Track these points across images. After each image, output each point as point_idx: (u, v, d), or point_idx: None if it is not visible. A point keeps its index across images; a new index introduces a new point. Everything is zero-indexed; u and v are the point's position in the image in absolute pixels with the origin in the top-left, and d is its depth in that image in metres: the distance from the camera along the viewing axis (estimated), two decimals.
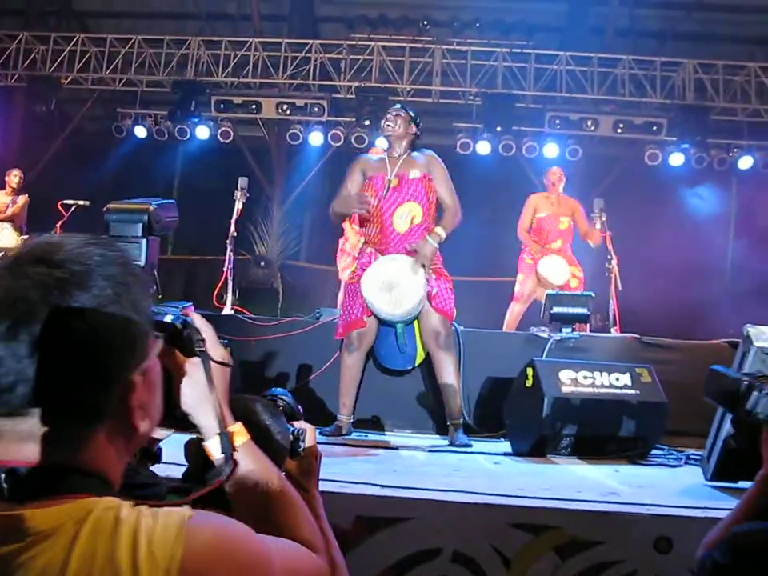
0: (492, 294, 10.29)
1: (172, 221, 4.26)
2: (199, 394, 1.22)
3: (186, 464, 1.75)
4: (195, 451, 1.65)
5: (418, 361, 5.32)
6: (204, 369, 1.23)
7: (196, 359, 1.23)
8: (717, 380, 1.99)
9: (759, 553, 1.39)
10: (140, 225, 3.84)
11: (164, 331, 1.16)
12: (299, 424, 1.98)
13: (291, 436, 1.89)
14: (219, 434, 1.23)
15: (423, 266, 4.89)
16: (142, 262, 3.84)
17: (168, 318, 1.22)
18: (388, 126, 5.19)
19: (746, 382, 2.03)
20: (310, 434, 1.97)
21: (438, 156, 5.23)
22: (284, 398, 2.22)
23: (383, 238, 5.08)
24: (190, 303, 1.38)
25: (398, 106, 5.38)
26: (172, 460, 1.74)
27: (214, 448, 1.24)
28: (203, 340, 1.25)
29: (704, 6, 11.97)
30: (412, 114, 5.27)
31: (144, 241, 3.86)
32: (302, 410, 2.26)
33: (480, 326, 6.86)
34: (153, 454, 1.87)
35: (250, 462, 1.25)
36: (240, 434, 1.27)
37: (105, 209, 4.04)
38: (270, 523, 1.20)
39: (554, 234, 7.88)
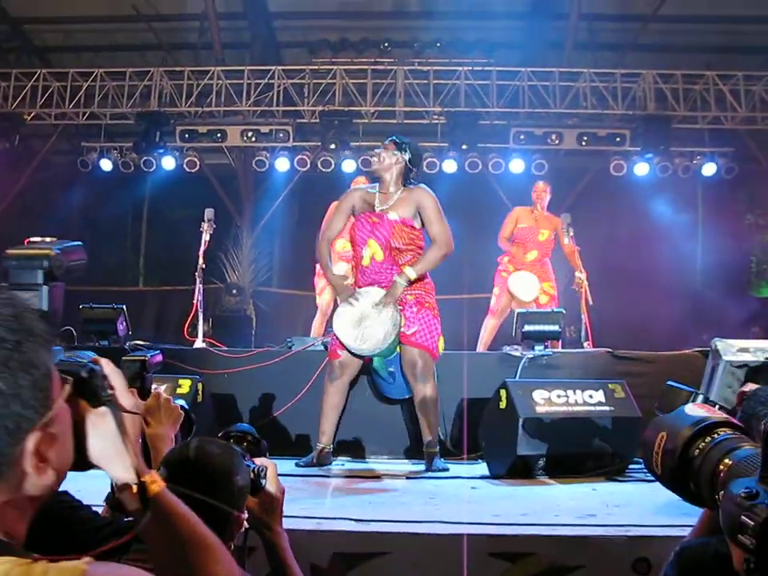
0: (462, 311, 10.27)
1: (77, 264, 4.15)
2: (108, 445, 1.19)
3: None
4: (114, 505, 1.63)
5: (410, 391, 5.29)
6: (113, 418, 1.20)
7: (103, 409, 1.19)
8: (671, 395, 1.99)
9: (700, 563, 1.42)
10: (40, 271, 3.73)
11: (68, 380, 1.12)
12: (260, 461, 1.96)
13: (252, 473, 1.87)
14: (130, 485, 1.20)
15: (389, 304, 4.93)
16: (44, 309, 3.73)
17: (72, 367, 1.18)
18: (374, 160, 5.22)
19: (700, 397, 2.04)
20: (272, 471, 1.95)
21: (428, 189, 5.23)
22: (248, 434, 2.20)
23: (356, 267, 5.23)
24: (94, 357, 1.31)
25: (390, 138, 5.36)
26: None
27: (126, 500, 1.21)
28: (112, 388, 1.22)
29: (661, 18, 12.09)
30: (399, 142, 5.26)
31: (45, 288, 3.74)
32: (266, 445, 2.24)
33: (450, 343, 6.87)
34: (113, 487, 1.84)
35: (165, 511, 1.21)
36: (154, 483, 1.23)
37: (3, 254, 3.93)
38: (186, 568, 1.19)
39: (531, 244, 7.91)
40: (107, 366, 1.24)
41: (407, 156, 5.20)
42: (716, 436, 1.22)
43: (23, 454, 0.99)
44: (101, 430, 1.18)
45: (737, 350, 3.39)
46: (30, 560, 0.92)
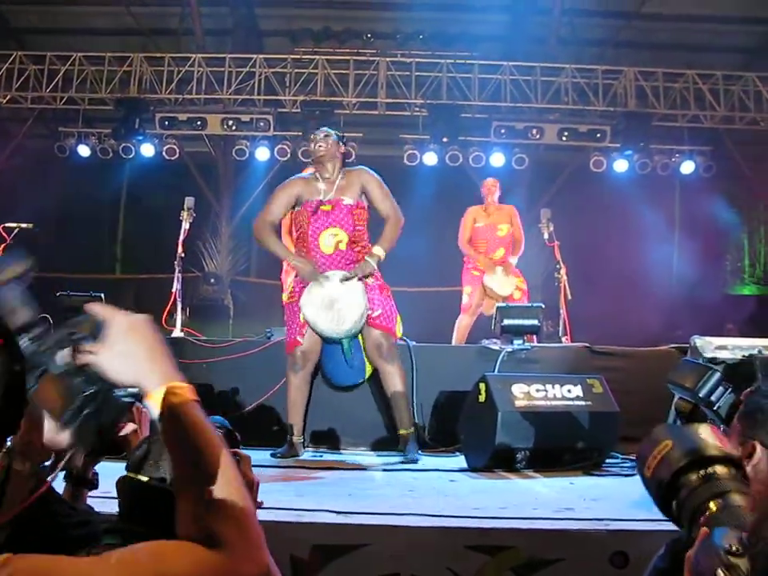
0: (441, 304, 10.30)
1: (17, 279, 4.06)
2: (137, 357, 1.17)
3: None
4: (126, 489, 1.61)
5: (368, 373, 5.31)
6: (142, 329, 1.19)
7: (134, 319, 1.20)
8: (687, 366, 2.00)
9: None
10: None
11: None
12: (234, 453, 1.94)
13: None
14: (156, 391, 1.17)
15: (360, 278, 4.97)
16: None
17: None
18: (319, 147, 5.18)
19: (717, 374, 2.06)
20: (245, 463, 1.94)
21: (370, 169, 5.28)
22: (220, 425, 2.19)
23: (311, 259, 5.13)
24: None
25: (324, 128, 5.45)
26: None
27: (151, 407, 1.17)
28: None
29: (643, 16, 12.16)
30: (338, 135, 5.35)
31: None
32: (239, 437, 2.23)
33: (427, 337, 6.88)
34: (89, 480, 1.82)
35: (187, 420, 1.17)
36: (182, 391, 1.19)
37: None
38: (202, 477, 1.14)
39: (493, 242, 7.88)
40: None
41: (343, 143, 5.36)
42: (711, 472, 1.22)
43: None
44: (129, 344, 1.17)
45: (715, 347, 3.42)
46: None
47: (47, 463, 1.30)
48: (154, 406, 1.16)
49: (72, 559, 0.99)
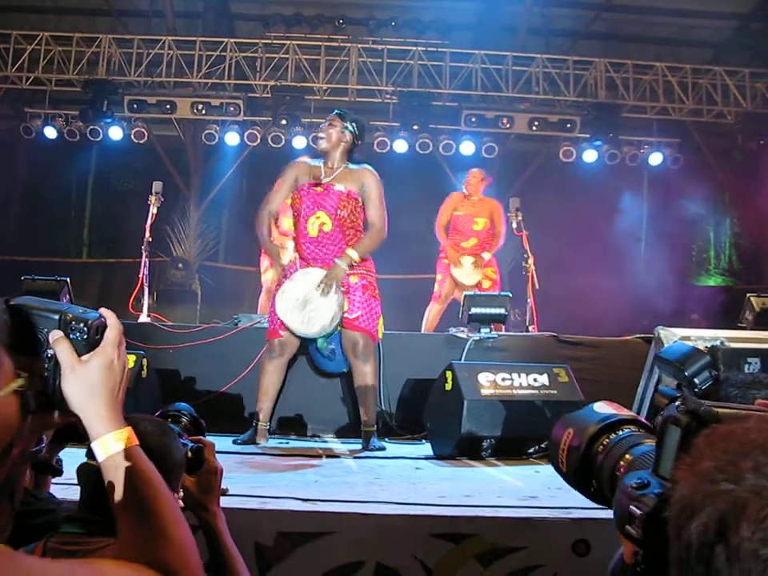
0: (411, 292, 10.33)
1: None
2: (86, 394, 1.20)
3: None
4: (86, 476, 1.60)
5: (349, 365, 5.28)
6: (96, 369, 1.21)
7: (86, 357, 1.20)
8: (678, 346, 2.01)
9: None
10: None
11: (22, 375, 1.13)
12: (197, 440, 1.94)
13: (189, 452, 1.86)
14: (102, 435, 1.20)
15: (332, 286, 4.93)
16: None
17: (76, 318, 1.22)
18: (321, 137, 5.13)
19: (707, 358, 2.07)
20: (209, 450, 1.94)
21: (374, 171, 5.19)
22: (185, 412, 2.18)
23: (299, 240, 5.14)
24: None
25: (335, 112, 5.31)
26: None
27: (96, 450, 1.21)
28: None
29: (614, 8, 12.23)
30: (344, 115, 5.22)
31: None
32: (204, 424, 2.22)
33: (399, 323, 6.90)
34: (53, 467, 1.81)
35: (131, 466, 1.21)
36: (125, 438, 1.22)
37: None
38: (142, 529, 1.19)
39: (467, 233, 7.91)
40: (111, 318, 1.26)
41: (354, 131, 5.17)
42: (620, 432, 1.20)
43: None
44: (79, 376, 1.19)
45: (678, 338, 3.46)
46: None
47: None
48: (99, 450, 1.20)
49: (42, 562, 1.01)
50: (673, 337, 3.44)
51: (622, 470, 1.14)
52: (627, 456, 1.14)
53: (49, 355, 1.18)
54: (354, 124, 5.18)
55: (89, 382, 1.19)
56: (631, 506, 1.00)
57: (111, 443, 1.20)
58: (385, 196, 5.22)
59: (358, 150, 5.31)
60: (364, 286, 5.07)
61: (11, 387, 1.07)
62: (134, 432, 1.24)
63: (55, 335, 1.19)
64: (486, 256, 7.75)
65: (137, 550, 1.17)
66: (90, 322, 1.21)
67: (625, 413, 1.24)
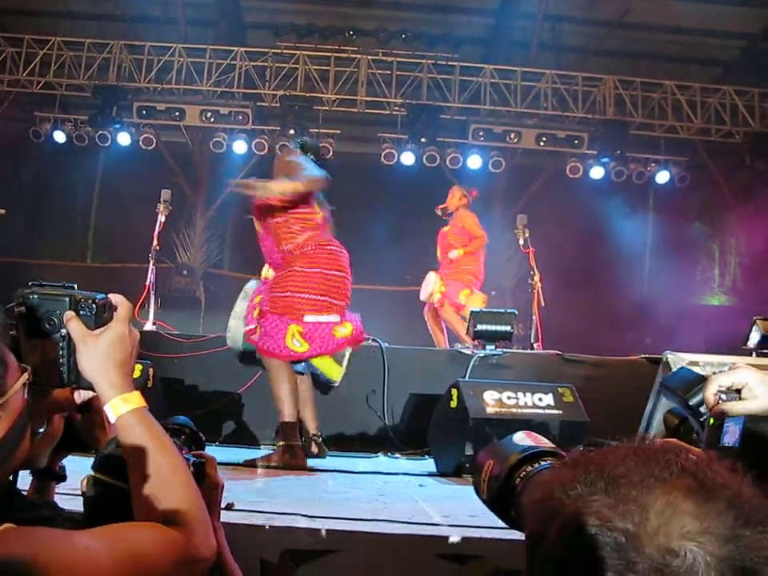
0: (415, 304, 10.33)
1: None
2: (96, 362, 1.32)
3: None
4: (91, 488, 1.60)
5: (334, 377, 5.14)
6: (106, 338, 1.33)
7: (98, 330, 1.33)
8: (683, 373, 2.01)
9: None
10: None
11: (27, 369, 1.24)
12: (199, 454, 1.94)
13: (191, 467, 1.85)
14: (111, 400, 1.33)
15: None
16: None
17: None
18: None
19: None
20: (210, 465, 1.93)
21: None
22: (185, 426, 2.17)
23: None
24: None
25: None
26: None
27: (108, 413, 1.33)
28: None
29: (624, 25, 12.24)
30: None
31: None
32: (203, 438, 2.21)
33: (403, 335, 6.89)
34: (56, 474, 1.80)
35: (139, 429, 1.33)
36: (133, 400, 1.34)
37: None
38: (152, 483, 1.30)
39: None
40: (121, 299, 1.40)
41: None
42: (537, 465, 1.24)
43: None
44: (92, 348, 1.32)
45: (686, 363, 3.46)
46: None
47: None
48: (111, 412, 1.33)
49: (64, 532, 1.09)
50: (680, 362, 3.44)
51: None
52: None
53: (63, 334, 1.32)
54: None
55: (101, 353, 1.32)
56: None
57: (121, 405, 1.32)
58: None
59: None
60: (272, 300, 4.83)
61: (20, 383, 1.18)
62: (141, 396, 1.36)
63: (68, 315, 1.31)
64: (453, 254, 7.75)
65: (148, 506, 1.28)
66: (97, 300, 1.34)
67: (543, 444, 1.27)
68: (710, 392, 1.65)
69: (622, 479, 0.84)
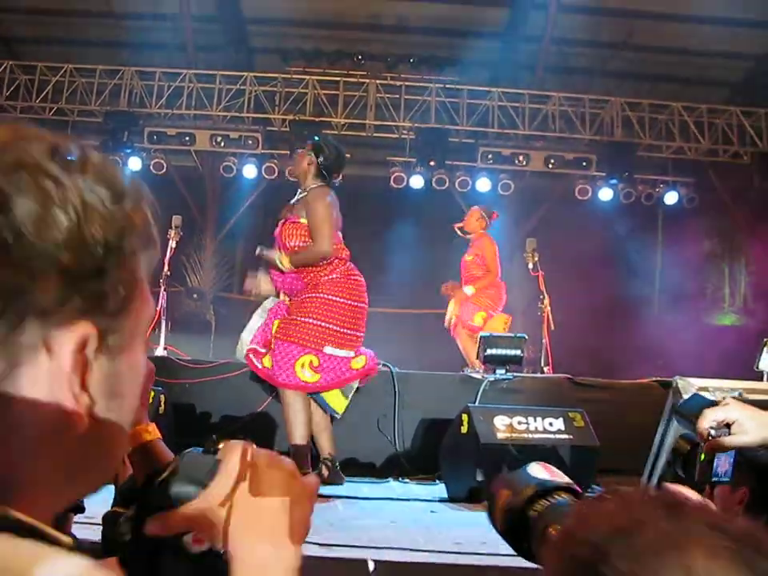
0: (425, 328, 10.35)
1: None
2: None
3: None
4: (111, 523, 1.60)
5: (337, 409, 5.04)
6: None
7: None
8: (695, 400, 2.03)
9: None
10: None
11: None
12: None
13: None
14: None
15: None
16: None
17: None
18: (289, 172, 5.18)
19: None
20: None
21: (321, 193, 4.96)
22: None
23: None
24: None
25: (311, 139, 5.38)
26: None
27: None
28: None
29: (631, 47, 12.30)
30: (315, 144, 5.14)
31: None
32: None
33: (414, 359, 6.89)
34: (76, 504, 1.79)
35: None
36: (147, 432, 1.35)
37: None
38: None
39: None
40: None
41: (320, 159, 5.01)
42: (553, 500, 1.24)
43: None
44: None
45: (696, 388, 3.46)
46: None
47: None
48: None
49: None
50: (691, 387, 3.44)
51: (554, 532, 1.19)
52: (557, 525, 1.20)
53: None
54: (322, 150, 5.04)
55: None
56: None
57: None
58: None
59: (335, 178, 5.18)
60: (278, 331, 4.88)
61: None
62: None
63: None
64: (468, 290, 7.70)
65: None
66: None
67: (558, 478, 1.28)
68: (703, 427, 1.69)
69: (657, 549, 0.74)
